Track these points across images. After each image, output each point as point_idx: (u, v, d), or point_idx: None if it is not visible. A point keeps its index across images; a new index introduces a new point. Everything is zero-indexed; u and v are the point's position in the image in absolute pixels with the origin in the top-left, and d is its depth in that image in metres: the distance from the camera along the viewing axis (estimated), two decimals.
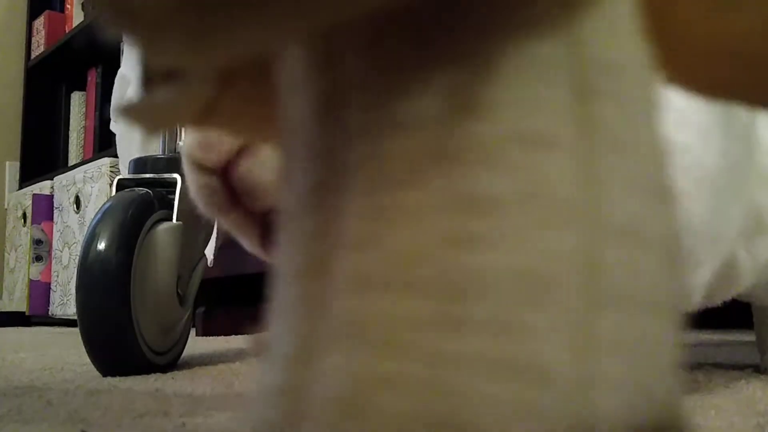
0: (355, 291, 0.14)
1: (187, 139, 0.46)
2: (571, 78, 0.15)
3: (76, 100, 3.17)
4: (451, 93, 0.15)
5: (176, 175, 0.96)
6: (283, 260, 0.17)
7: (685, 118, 0.60)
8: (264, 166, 0.43)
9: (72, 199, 2.57)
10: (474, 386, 0.13)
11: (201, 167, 0.44)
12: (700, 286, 0.66)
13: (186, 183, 0.47)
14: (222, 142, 0.43)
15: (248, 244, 0.49)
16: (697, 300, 0.68)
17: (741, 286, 0.73)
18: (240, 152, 0.43)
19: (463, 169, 0.14)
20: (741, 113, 0.69)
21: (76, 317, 0.87)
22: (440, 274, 0.14)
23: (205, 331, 1.75)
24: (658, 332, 0.15)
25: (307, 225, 0.16)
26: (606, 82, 0.15)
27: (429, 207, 0.14)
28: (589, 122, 0.15)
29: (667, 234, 0.16)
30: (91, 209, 2.45)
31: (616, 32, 0.16)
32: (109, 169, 2.40)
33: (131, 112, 0.19)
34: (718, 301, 0.74)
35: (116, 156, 2.24)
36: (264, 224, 0.47)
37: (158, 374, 0.87)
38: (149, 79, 0.18)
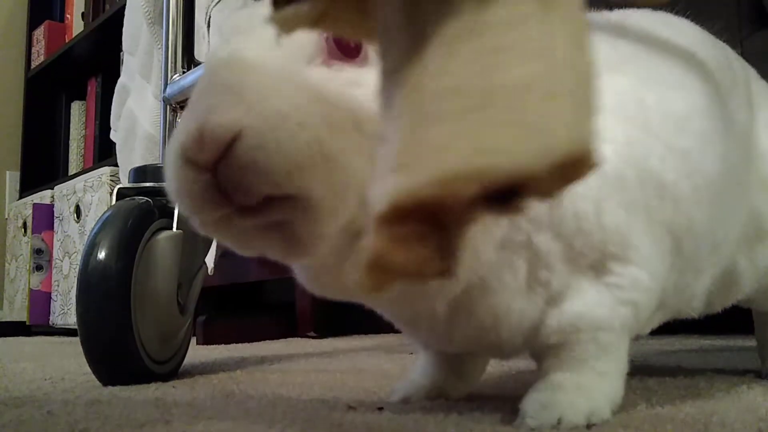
0: (441, 97, 0.28)
1: (176, 134, 0.45)
2: None
3: (76, 109, 3.18)
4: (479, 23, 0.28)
5: None
6: (390, 91, 0.31)
7: (685, 124, 0.60)
8: (251, 155, 0.42)
9: (72, 209, 2.57)
10: (499, 132, 0.27)
11: (192, 163, 0.43)
12: (700, 293, 0.66)
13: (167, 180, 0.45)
14: (215, 137, 0.42)
15: (230, 242, 0.48)
16: (697, 307, 0.68)
17: (741, 293, 0.73)
18: (228, 147, 0.42)
19: (492, 31, 0.28)
20: (740, 119, 0.69)
21: (76, 327, 0.87)
22: (481, 83, 0.27)
23: (206, 340, 1.75)
24: (585, 111, 0.28)
25: (406, 69, 0.30)
26: None
27: (474, 53, 0.28)
28: (546, 10, 0.28)
29: (590, 66, 0.29)
30: (92, 218, 2.45)
31: None
32: (109, 178, 2.40)
33: (270, 21, 0.32)
34: (718, 308, 0.74)
35: (116, 165, 2.25)
36: (248, 220, 0.45)
37: (159, 383, 0.87)
38: (276, 1, 0.31)
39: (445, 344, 0.61)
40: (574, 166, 0.27)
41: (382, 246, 0.28)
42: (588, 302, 0.55)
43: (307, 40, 0.47)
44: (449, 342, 0.58)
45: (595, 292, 0.55)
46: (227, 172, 0.43)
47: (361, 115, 0.45)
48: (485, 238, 0.52)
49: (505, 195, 0.27)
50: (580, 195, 0.53)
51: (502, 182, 0.26)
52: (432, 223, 0.28)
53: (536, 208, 0.53)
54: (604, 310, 0.55)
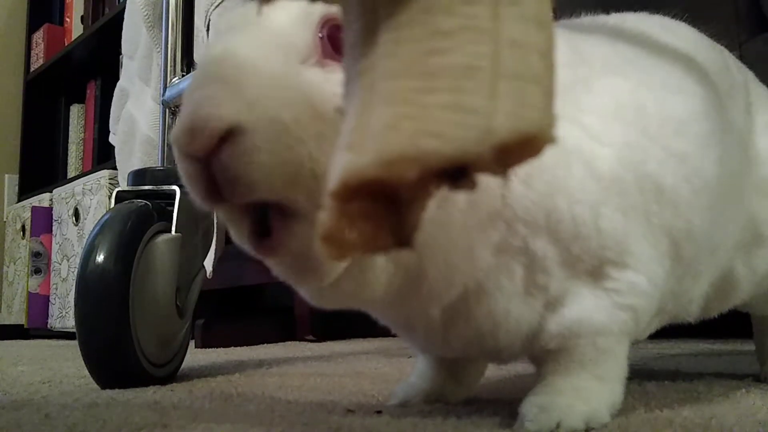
0: (389, 78, 0.29)
1: (176, 126, 0.45)
2: None
3: (75, 112, 3.18)
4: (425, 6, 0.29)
5: (175, 187, 0.96)
6: (350, 81, 0.32)
7: (684, 127, 0.60)
8: (246, 157, 0.42)
9: (71, 212, 2.57)
10: (440, 116, 0.27)
11: (186, 154, 0.44)
12: (698, 297, 0.66)
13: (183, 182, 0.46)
14: (207, 128, 0.42)
15: (236, 236, 0.48)
16: (695, 312, 0.68)
17: (739, 298, 0.73)
18: (222, 140, 0.42)
19: (437, 15, 0.29)
20: (739, 123, 0.69)
21: (74, 330, 0.87)
22: (425, 66, 0.28)
23: (204, 343, 1.75)
24: (534, 90, 0.28)
25: (361, 47, 0.31)
26: None
27: (420, 36, 0.29)
28: (496, 8, 0.29)
29: (543, 43, 0.29)
30: (90, 221, 2.45)
31: None
32: (108, 181, 2.40)
33: None
34: (716, 313, 0.73)
35: (115, 168, 2.25)
36: (254, 218, 0.45)
37: (157, 386, 0.87)
38: None
39: (443, 349, 0.60)
40: (520, 147, 0.28)
41: (332, 222, 0.28)
42: (587, 307, 0.55)
43: (301, 38, 0.46)
44: (447, 347, 0.58)
45: (593, 297, 0.55)
46: (219, 167, 0.43)
47: None
48: (481, 241, 0.52)
49: (455, 173, 0.28)
50: (577, 199, 0.53)
51: (442, 165, 0.27)
52: (384, 199, 0.28)
53: (534, 212, 0.53)
54: (602, 316, 0.55)
